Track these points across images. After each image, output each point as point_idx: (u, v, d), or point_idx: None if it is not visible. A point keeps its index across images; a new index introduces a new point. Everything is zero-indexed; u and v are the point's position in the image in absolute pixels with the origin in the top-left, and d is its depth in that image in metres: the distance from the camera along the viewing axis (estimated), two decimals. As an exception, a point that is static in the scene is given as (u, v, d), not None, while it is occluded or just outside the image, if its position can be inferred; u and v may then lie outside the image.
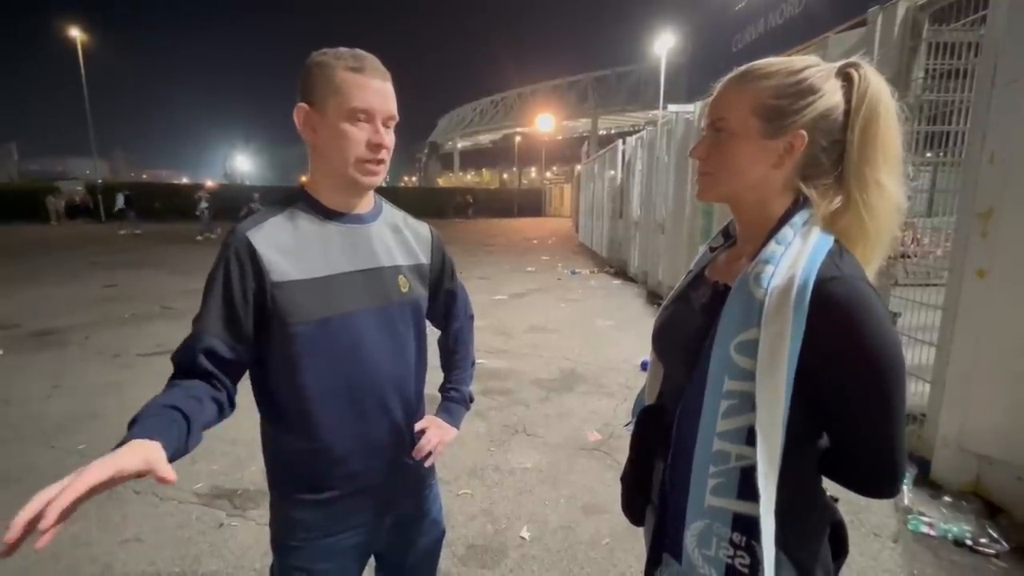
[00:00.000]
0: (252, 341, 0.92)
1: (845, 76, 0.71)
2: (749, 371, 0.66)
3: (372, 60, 0.93)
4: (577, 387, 4.00)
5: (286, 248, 0.92)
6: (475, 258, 12.31)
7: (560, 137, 61.10)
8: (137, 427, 0.71)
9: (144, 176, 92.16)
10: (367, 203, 1.04)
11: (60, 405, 3.61)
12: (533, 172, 69.57)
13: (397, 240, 1.07)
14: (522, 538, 2.22)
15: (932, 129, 2.86)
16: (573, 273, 10.00)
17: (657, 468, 0.88)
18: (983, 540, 2.11)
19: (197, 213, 18.12)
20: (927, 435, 2.64)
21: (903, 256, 3.04)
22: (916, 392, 2.74)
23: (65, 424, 3.30)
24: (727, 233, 0.90)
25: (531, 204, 39.79)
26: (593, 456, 2.93)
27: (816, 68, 0.71)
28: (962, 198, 2.49)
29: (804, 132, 0.70)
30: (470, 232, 21.14)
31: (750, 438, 0.66)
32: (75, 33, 26.71)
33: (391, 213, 1.10)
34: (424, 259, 1.11)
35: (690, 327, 0.80)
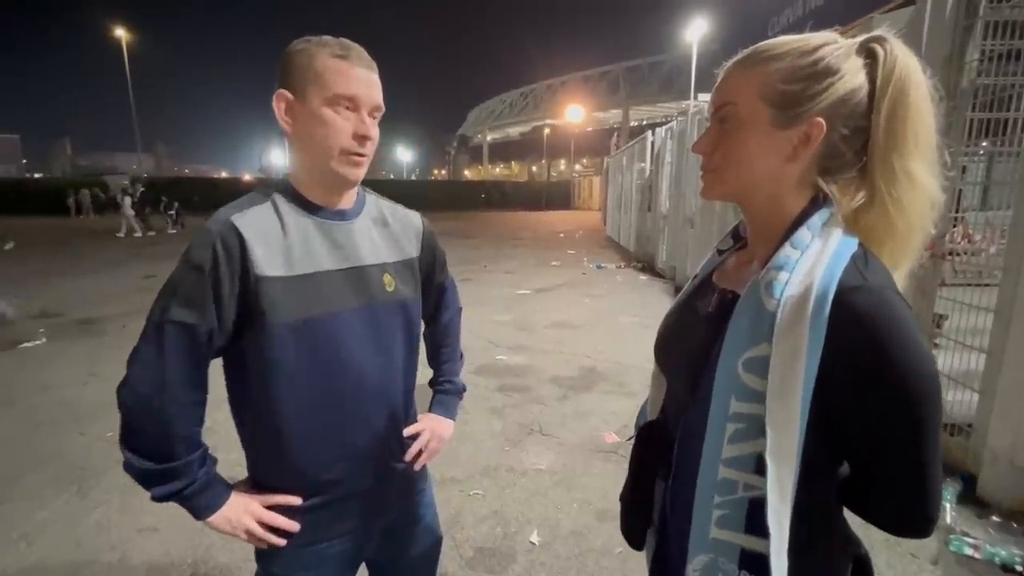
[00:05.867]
0: (230, 339, 0.87)
1: (868, 52, 0.61)
2: (759, 392, 0.59)
3: (358, 48, 0.88)
4: (597, 386, 3.90)
5: (270, 240, 0.86)
6: (501, 252, 12.28)
7: (590, 129, 60.41)
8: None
9: (186, 171, 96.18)
10: (350, 198, 0.98)
11: (94, 392, 3.75)
12: (562, 164, 69.10)
13: (383, 235, 1.01)
14: (532, 543, 2.16)
15: (988, 116, 2.63)
16: (599, 268, 9.84)
17: (659, 488, 0.81)
18: (1035, 566, 1.94)
19: None
20: (974, 449, 2.44)
21: (952, 253, 2.82)
22: (963, 402, 2.54)
23: (96, 412, 3.41)
24: (736, 234, 0.80)
25: (559, 197, 39.49)
26: (610, 459, 2.84)
27: (834, 45, 0.61)
28: (1020, 191, 2.30)
29: (822, 120, 0.60)
30: (498, 225, 21.12)
31: (759, 466, 0.59)
32: (120, 32, 27.93)
33: (376, 206, 1.04)
34: (413, 252, 1.05)
35: (694, 339, 0.71)
